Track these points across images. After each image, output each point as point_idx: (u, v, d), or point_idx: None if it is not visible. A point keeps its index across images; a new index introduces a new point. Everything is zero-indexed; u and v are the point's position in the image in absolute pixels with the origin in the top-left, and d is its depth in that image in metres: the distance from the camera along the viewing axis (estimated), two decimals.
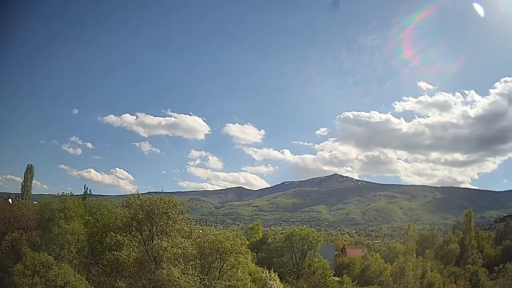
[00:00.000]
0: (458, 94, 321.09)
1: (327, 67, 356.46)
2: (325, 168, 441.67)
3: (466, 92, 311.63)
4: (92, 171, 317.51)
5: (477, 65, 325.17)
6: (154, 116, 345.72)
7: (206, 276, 27.56)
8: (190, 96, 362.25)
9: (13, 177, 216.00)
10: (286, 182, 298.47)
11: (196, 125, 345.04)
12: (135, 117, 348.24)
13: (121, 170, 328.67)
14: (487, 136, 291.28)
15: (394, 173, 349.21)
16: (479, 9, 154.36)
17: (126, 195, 31.08)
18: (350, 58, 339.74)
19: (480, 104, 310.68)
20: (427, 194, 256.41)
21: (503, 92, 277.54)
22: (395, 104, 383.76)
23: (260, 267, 38.67)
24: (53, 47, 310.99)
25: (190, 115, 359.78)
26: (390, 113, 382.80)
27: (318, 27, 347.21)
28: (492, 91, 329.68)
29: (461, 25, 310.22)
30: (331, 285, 44.60)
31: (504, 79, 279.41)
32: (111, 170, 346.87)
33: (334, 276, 51.36)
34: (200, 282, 26.42)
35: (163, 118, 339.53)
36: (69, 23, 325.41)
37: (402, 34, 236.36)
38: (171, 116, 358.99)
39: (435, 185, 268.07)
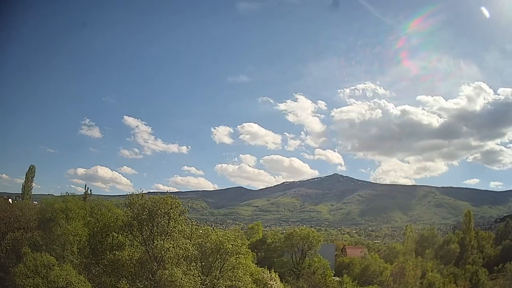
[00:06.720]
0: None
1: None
2: None
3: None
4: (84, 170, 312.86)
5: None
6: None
7: (207, 276, 27.68)
8: None
9: (13, 178, 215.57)
10: (286, 182, 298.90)
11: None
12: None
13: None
14: None
15: None
16: (485, 11, 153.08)
17: (127, 194, 30.92)
18: (350, 66, 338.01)
19: None
20: (427, 194, 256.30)
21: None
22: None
23: (260, 267, 38.75)
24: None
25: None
26: None
27: (316, 33, 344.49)
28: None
29: (458, 30, 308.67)
30: (331, 285, 44.66)
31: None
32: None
33: (334, 276, 51.49)
34: (201, 282, 26.52)
35: None
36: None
37: (398, 43, 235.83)
38: None
39: (436, 185, 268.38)
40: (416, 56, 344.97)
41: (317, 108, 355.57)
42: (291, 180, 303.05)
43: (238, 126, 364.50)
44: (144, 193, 31.23)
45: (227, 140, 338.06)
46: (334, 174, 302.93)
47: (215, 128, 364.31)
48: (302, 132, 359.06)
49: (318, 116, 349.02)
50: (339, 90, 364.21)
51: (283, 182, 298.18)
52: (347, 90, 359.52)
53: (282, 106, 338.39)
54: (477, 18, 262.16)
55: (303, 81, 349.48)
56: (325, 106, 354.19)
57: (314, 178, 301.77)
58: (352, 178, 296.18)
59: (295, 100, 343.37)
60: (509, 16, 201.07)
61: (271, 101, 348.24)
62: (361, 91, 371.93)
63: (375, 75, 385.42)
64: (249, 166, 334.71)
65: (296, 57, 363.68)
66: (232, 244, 28.22)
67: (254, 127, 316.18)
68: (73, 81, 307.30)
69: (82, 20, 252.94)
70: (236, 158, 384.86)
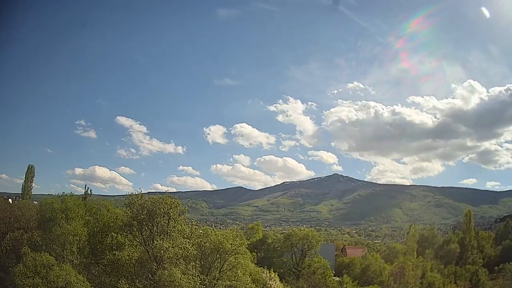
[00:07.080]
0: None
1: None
2: None
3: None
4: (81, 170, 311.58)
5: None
6: None
7: (206, 276, 27.69)
8: None
9: (12, 178, 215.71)
10: (286, 182, 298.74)
11: None
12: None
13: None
14: None
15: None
16: (485, 12, 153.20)
17: (126, 195, 30.89)
18: (349, 67, 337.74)
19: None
20: (427, 194, 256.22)
21: None
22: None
23: (260, 267, 38.76)
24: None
25: None
26: None
27: (316, 33, 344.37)
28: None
29: (457, 32, 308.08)
30: (331, 285, 44.68)
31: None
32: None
33: (334, 276, 51.48)
34: (200, 282, 26.52)
35: None
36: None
37: (398, 44, 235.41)
38: None
39: (435, 185, 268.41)
40: (412, 57, 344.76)
41: (308, 109, 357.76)
42: (291, 180, 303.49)
43: (230, 128, 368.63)
44: (144, 193, 31.23)
45: (221, 140, 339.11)
46: (334, 174, 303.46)
47: (208, 128, 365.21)
48: (297, 133, 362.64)
49: (309, 116, 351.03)
50: (328, 92, 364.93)
51: (283, 182, 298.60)
52: (336, 92, 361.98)
53: (273, 108, 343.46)
54: (474, 19, 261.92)
55: (294, 83, 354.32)
56: (316, 107, 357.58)
57: (314, 178, 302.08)
58: (352, 178, 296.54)
59: (286, 101, 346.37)
60: (509, 17, 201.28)
61: (261, 102, 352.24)
62: (351, 92, 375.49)
63: (366, 76, 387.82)
64: (244, 166, 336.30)
65: (287, 60, 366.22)
66: (231, 244, 28.23)
67: (247, 128, 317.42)
68: (72, 81, 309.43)
69: (82, 20, 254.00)
70: (231, 159, 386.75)
